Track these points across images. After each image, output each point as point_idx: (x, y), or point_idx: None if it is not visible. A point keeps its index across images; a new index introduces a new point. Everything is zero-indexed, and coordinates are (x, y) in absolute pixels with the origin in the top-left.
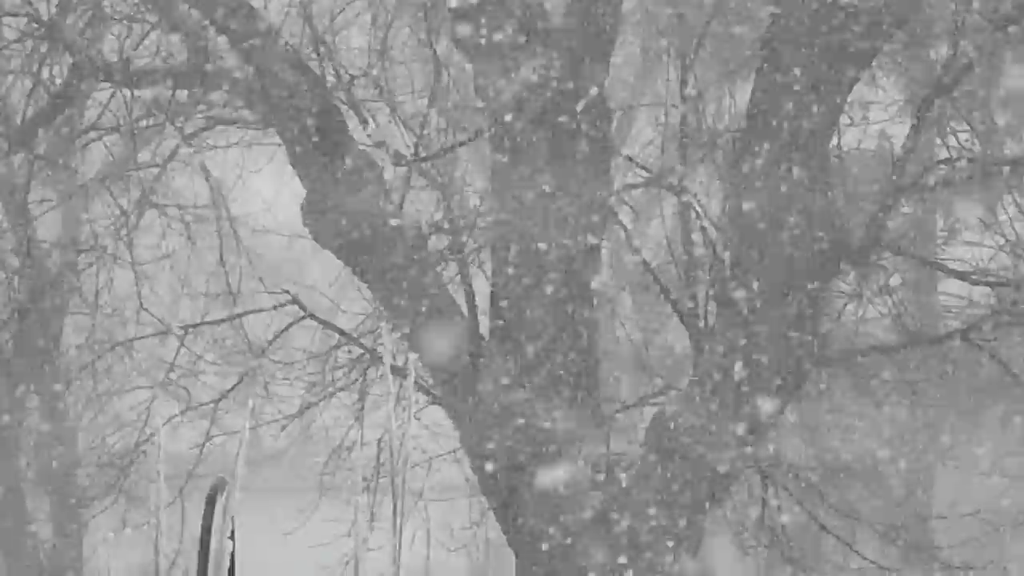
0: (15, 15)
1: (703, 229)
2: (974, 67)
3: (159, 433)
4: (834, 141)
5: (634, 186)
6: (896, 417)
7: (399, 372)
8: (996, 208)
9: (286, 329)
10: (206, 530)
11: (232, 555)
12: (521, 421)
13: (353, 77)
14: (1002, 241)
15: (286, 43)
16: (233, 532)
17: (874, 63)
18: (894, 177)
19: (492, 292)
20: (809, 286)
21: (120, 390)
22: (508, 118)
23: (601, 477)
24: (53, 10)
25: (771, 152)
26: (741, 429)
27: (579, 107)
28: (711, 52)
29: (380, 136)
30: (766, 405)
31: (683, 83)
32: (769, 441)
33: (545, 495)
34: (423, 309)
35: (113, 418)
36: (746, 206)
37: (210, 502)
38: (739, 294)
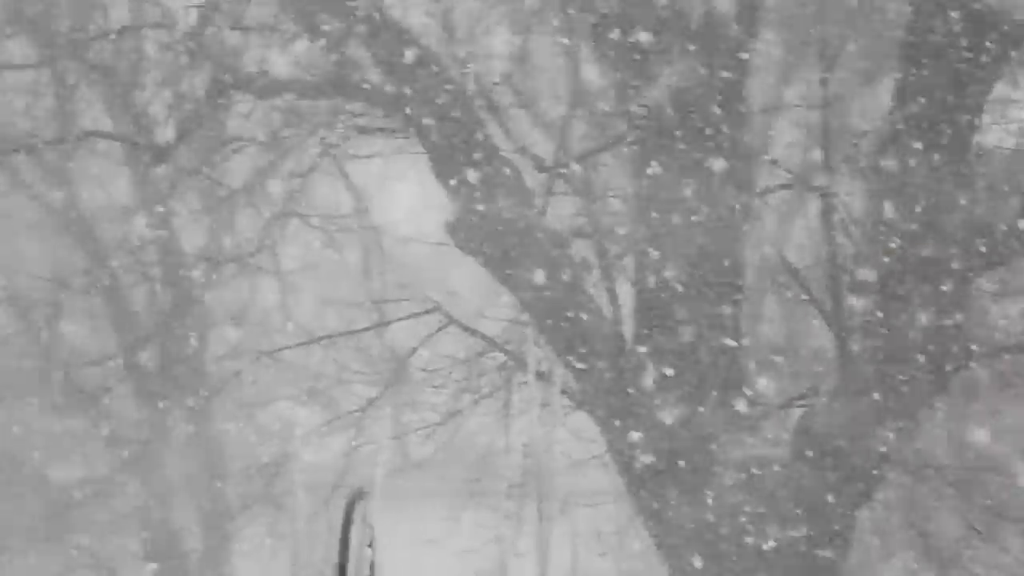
0: (156, 27)
1: (846, 230)
2: None
3: (298, 444)
4: (976, 139)
5: (777, 187)
6: None
7: (544, 378)
8: None
9: (431, 336)
10: (344, 540)
11: (371, 564)
12: (667, 424)
13: (494, 84)
14: None
15: (427, 50)
16: (372, 541)
17: (1014, 59)
18: None
19: (636, 296)
20: (954, 284)
21: (266, 400)
22: (649, 122)
23: (747, 480)
24: (193, 23)
25: (914, 151)
26: (888, 430)
27: (720, 110)
28: (853, 52)
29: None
30: (911, 405)
31: (825, 83)
32: (916, 441)
33: (692, 498)
34: (567, 314)
35: (259, 428)
36: (889, 206)
37: (348, 511)
38: (883, 293)
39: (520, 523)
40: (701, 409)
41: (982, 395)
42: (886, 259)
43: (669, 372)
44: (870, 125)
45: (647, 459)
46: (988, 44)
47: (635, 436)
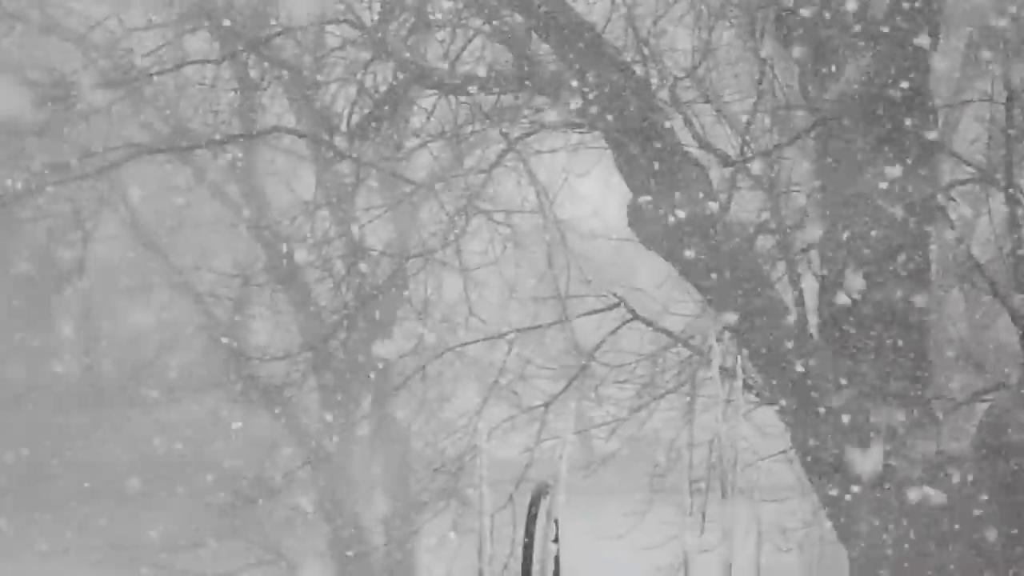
0: (338, 22)
1: None
2: None
3: (483, 439)
4: None
5: (961, 182)
6: None
7: (728, 374)
8: None
9: (614, 332)
10: (529, 534)
11: (556, 558)
12: (852, 419)
13: (677, 78)
14: None
15: (610, 45)
16: (557, 536)
17: None
18: None
19: (820, 291)
20: None
21: (451, 395)
22: (833, 116)
23: (931, 475)
24: (376, 17)
25: None
26: None
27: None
28: None
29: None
30: None
31: (1008, 78)
32: None
33: (876, 493)
34: (752, 309)
35: (444, 423)
36: None
37: (532, 506)
38: None
39: (704, 519)
40: (886, 404)
41: None
42: None
43: (853, 367)
44: None
45: (831, 454)
46: None
47: (819, 431)
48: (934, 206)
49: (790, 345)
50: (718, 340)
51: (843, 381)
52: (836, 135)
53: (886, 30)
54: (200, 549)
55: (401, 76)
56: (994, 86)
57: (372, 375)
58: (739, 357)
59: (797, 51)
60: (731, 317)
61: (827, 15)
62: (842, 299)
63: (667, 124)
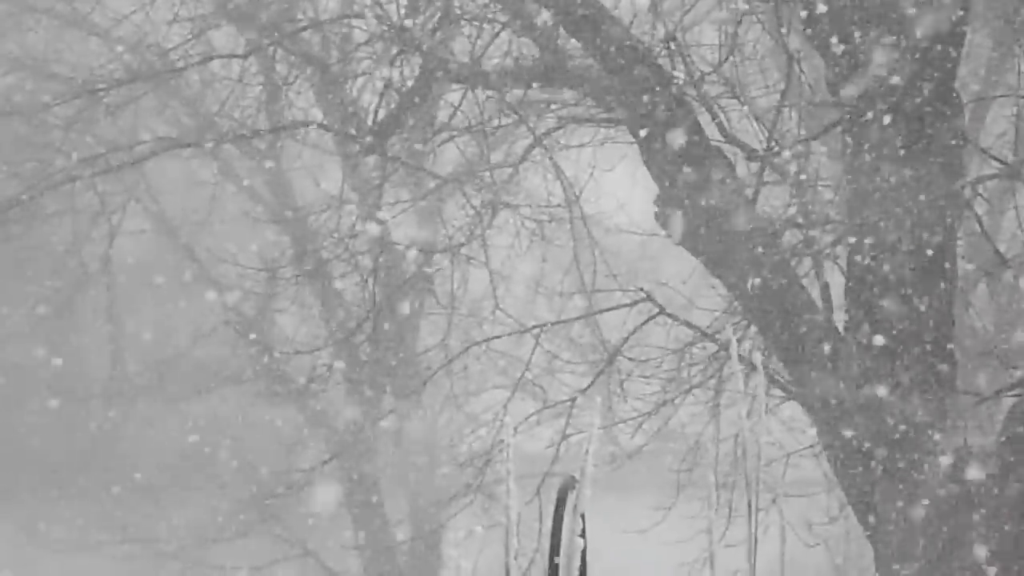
0: (365, 17)
1: None
2: None
3: (509, 433)
4: None
5: (988, 177)
6: None
7: (755, 368)
8: None
9: (641, 326)
10: (556, 529)
11: (583, 553)
12: (878, 415)
13: (704, 73)
14: None
15: (637, 40)
16: (584, 530)
17: None
18: None
19: (847, 286)
20: None
21: (477, 390)
22: (860, 111)
23: (958, 469)
24: (402, 12)
25: None
26: None
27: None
28: None
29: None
30: None
31: None
32: None
33: (903, 489)
34: (778, 304)
35: (470, 418)
36: None
37: (560, 501)
38: None
39: (730, 514)
40: (912, 399)
41: None
42: None
43: (880, 362)
44: None
45: (857, 449)
46: None
47: (845, 427)
48: (961, 201)
49: (816, 340)
50: (740, 336)
51: (869, 376)
52: (862, 130)
53: (913, 24)
54: (226, 544)
55: (427, 70)
56: (1021, 81)
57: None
58: (762, 352)
59: (824, 45)
60: (758, 312)
61: (854, 9)
62: (869, 294)
63: (695, 119)
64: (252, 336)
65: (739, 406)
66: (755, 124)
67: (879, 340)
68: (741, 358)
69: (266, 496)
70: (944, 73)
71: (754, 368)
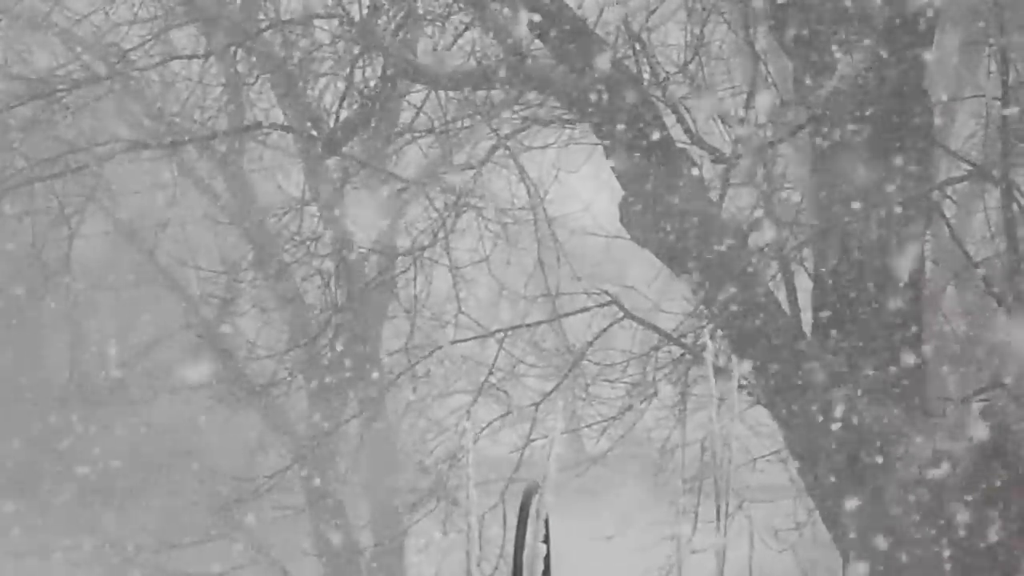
0: (327, 17)
1: None
2: None
3: (469, 438)
4: None
5: (956, 179)
6: None
7: (721, 372)
8: None
9: (606, 330)
10: (520, 534)
11: (547, 559)
12: (846, 419)
13: (669, 74)
14: None
15: (602, 40)
16: (548, 535)
17: None
18: None
19: (814, 289)
20: None
21: (440, 394)
22: (828, 113)
23: (929, 475)
24: (365, 12)
25: None
26: None
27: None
28: None
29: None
30: None
31: (1004, 74)
32: None
33: (872, 494)
34: (745, 308)
35: (434, 423)
36: None
37: (524, 506)
38: None
39: (697, 519)
40: (881, 404)
41: None
42: None
43: (848, 365)
44: None
45: (825, 454)
46: None
47: (813, 431)
48: (929, 203)
49: (783, 344)
50: (711, 339)
51: (836, 380)
52: (830, 131)
53: (881, 25)
54: (188, 549)
55: (390, 71)
56: (990, 82)
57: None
58: (732, 356)
59: (791, 46)
60: (724, 315)
61: (821, 10)
62: (836, 297)
63: (659, 120)
64: (213, 339)
65: (705, 410)
66: (721, 126)
67: (846, 343)
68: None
69: (228, 501)
70: (912, 74)
71: (724, 372)
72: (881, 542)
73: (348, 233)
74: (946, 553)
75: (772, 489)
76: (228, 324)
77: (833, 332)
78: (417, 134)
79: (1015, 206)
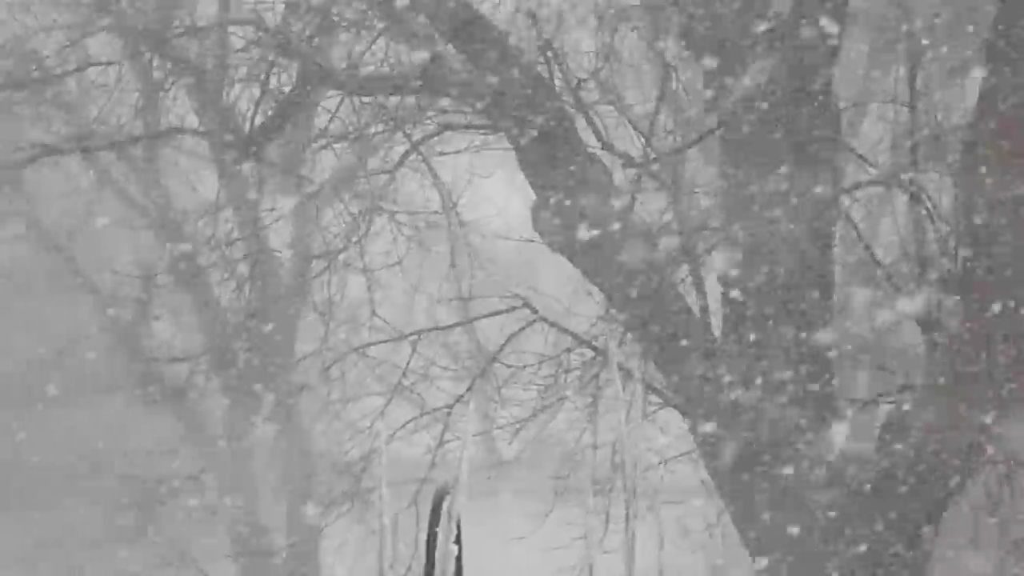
0: (242, 23)
1: (935, 227)
2: None
3: (382, 441)
4: None
5: (864, 183)
6: None
7: (632, 375)
8: None
9: (518, 333)
10: (431, 535)
11: (458, 560)
12: (756, 420)
13: (581, 80)
14: None
15: (514, 47)
16: (459, 537)
17: None
18: None
19: (723, 292)
20: None
21: (354, 396)
22: (737, 118)
23: (837, 476)
24: (280, 18)
25: (996, 148)
26: (976, 424)
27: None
28: (940, 48)
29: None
30: (998, 399)
31: (911, 79)
32: (1004, 436)
33: (780, 495)
34: (654, 311)
35: (347, 425)
36: (975, 203)
37: (436, 508)
38: (971, 290)
39: (607, 520)
40: (789, 405)
41: None
42: (974, 256)
43: (757, 368)
44: (958, 121)
45: (735, 455)
46: None
47: (723, 432)
48: (837, 207)
49: (693, 346)
50: (620, 342)
51: (746, 382)
52: (739, 136)
53: (790, 32)
54: (103, 551)
55: (305, 77)
56: (897, 87)
57: (275, 376)
58: (639, 358)
59: (700, 53)
60: (635, 318)
61: (731, 16)
62: (745, 300)
63: (571, 125)
64: (128, 343)
65: (617, 412)
66: (632, 131)
67: (755, 346)
68: (619, 364)
69: (143, 503)
70: (820, 79)
71: (631, 374)
72: (788, 542)
73: (263, 237)
74: (848, 554)
75: (683, 490)
76: (144, 327)
77: (742, 334)
78: (331, 139)
79: (923, 210)
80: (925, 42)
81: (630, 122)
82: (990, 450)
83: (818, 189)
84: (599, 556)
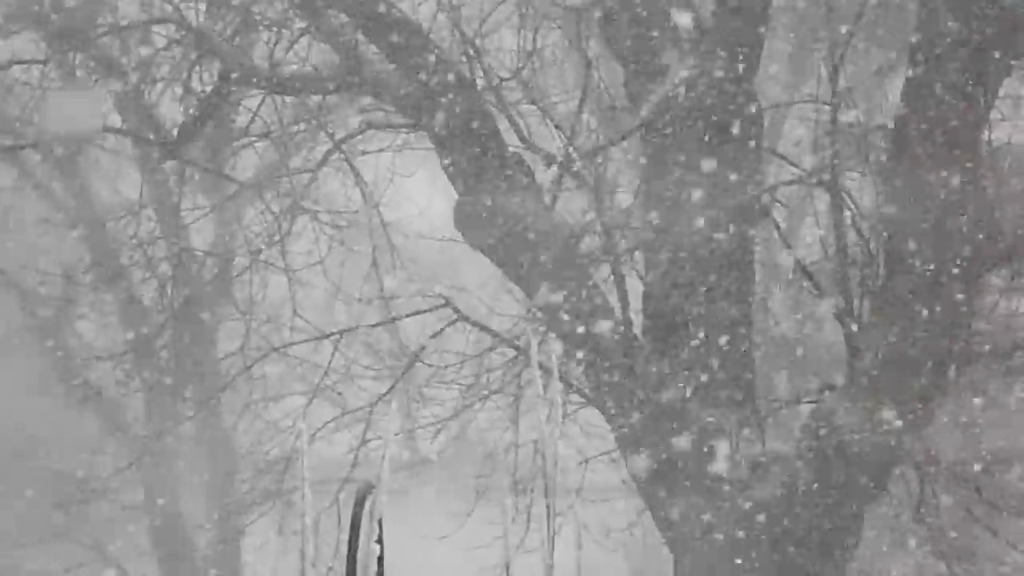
0: (164, 22)
1: (856, 226)
2: None
3: (304, 440)
4: (985, 136)
5: (786, 183)
6: None
7: (553, 374)
8: None
9: (440, 332)
10: (353, 535)
11: (380, 559)
12: (677, 420)
13: (503, 79)
14: None
15: (436, 46)
16: (380, 536)
17: None
18: None
19: (645, 292)
20: (961, 282)
21: (275, 396)
22: (658, 117)
23: (757, 475)
24: (201, 17)
25: (922, 148)
26: (896, 425)
27: (729, 105)
28: (861, 48)
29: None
30: (920, 401)
31: (834, 80)
32: (925, 437)
33: (701, 494)
34: (576, 310)
35: (269, 424)
36: (898, 203)
37: (357, 506)
38: (892, 290)
39: (528, 519)
40: (710, 405)
41: (992, 391)
42: (895, 256)
43: (678, 368)
44: (881, 121)
45: (656, 455)
46: (997, 40)
47: (644, 432)
48: (759, 207)
49: (615, 346)
50: (542, 341)
51: (668, 382)
52: (661, 135)
53: (711, 31)
54: (22, 550)
55: (226, 76)
56: (819, 87)
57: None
58: (558, 357)
59: (622, 52)
60: (556, 318)
61: (653, 16)
62: (666, 300)
63: (493, 125)
64: (51, 342)
65: (538, 412)
66: (554, 130)
67: (676, 346)
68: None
69: (66, 501)
70: (742, 79)
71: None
72: (708, 542)
73: (185, 236)
74: (770, 554)
75: (605, 489)
76: (67, 326)
77: (663, 334)
78: (253, 138)
79: (844, 210)
80: (848, 42)
81: (552, 121)
82: (911, 450)
83: (739, 189)
84: (519, 555)
